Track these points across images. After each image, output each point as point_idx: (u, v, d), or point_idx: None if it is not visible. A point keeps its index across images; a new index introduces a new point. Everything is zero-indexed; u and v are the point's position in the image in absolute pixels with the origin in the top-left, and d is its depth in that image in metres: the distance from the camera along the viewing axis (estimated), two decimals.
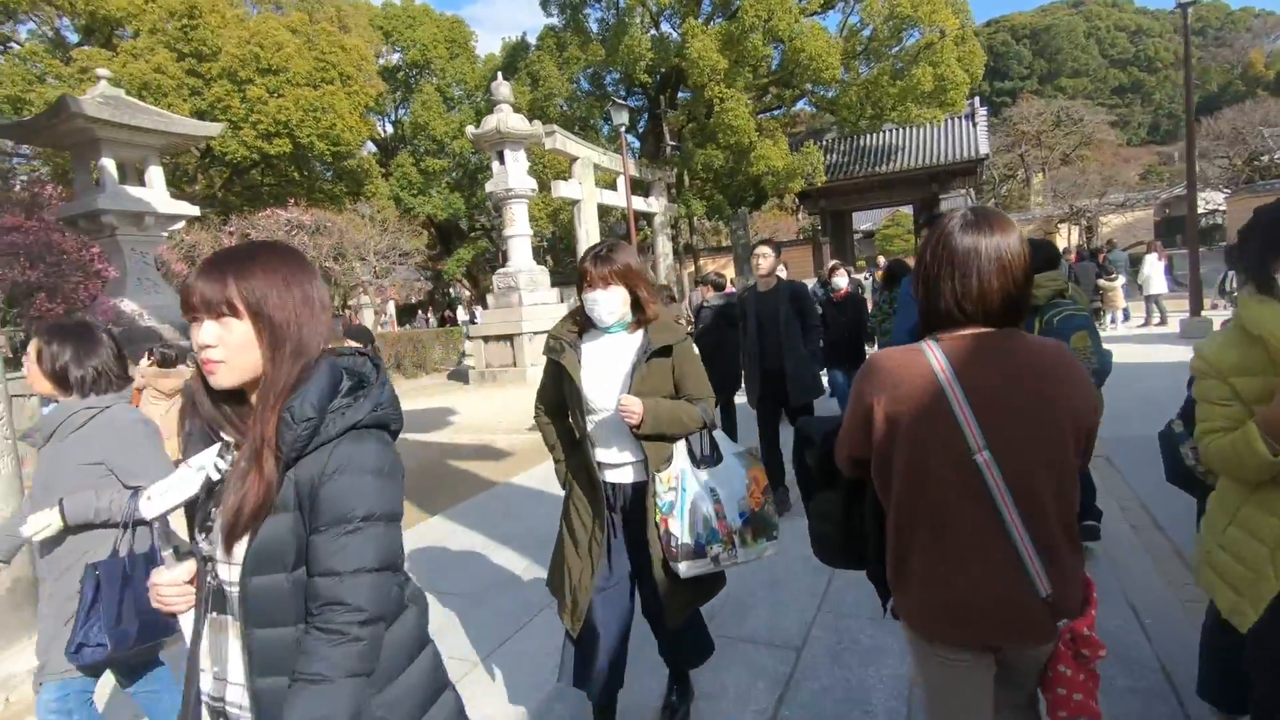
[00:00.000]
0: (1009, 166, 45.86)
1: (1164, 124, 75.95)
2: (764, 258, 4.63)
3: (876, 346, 10.27)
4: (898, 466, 1.34)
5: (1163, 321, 12.37)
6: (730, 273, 32.47)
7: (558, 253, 33.20)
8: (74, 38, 17.11)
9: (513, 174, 13.20)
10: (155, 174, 8.71)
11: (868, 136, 28.72)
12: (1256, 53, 75.14)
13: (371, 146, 37.37)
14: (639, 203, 23.61)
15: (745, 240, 31.50)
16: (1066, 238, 28.41)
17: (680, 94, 26.95)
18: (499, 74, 30.82)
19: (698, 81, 20.83)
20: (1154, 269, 12.19)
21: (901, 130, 28.02)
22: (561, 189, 18.88)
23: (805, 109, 42.76)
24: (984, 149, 26.22)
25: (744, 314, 4.76)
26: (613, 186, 22.57)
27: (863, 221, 47.74)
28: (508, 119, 12.92)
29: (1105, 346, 3.36)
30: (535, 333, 12.85)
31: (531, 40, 30.64)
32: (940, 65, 20.67)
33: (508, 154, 13.19)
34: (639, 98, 29.87)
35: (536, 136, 13.29)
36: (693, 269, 30.54)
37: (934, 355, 1.32)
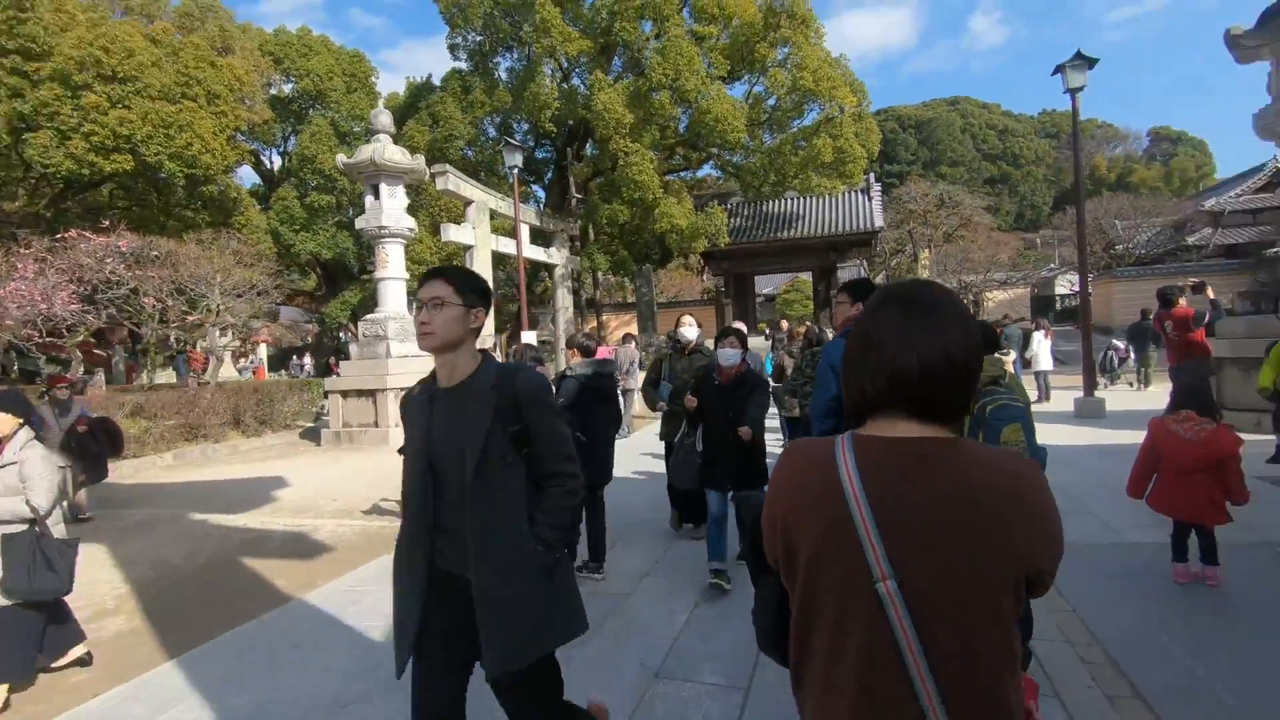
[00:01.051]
0: (898, 241, 48.61)
1: (1028, 213, 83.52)
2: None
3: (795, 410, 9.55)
4: (796, 579, 1.19)
5: (1045, 398, 12.41)
6: (633, 329, 31.91)
7: None
8: None
9: (388, 210, 11.83)
10: None
11: (771, 203, 29.31)
12: (1099, 158, 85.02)
13: (255, 177, 34.78)
14: (539, 253, 22.63)
15: (649, 297, 31.17)
16: None
17: (589, 149, 26.55)
18: (398, 112, 29.71)
19: (603, 134, 20.35)
20: (1041, 346, 12.29)
21: (803, 199, 28.76)
22: (452, 233, 17.60)
23: (712, 174, 43.82)
24: (878, 222, 27.17)
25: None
26: (511, 234, 21.51)
27: (765, 285, 49.00)
28: (385, 150, 11.63)
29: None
30: (403, 389, 11.29)
31: (438, 82, 29.67)
32: (839, 139, 21.22)
33: (384, 188, 11.85)
34: (547, 149, 29.33)
35: (417, 173, 12.05)
36: (595, 324, 29.69)
37: (844, 457, 1.12)
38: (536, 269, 29.86)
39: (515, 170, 13.16)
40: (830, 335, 11.69)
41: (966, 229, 44.57)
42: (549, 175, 29.56)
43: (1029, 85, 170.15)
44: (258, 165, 31.80)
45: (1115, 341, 15.34)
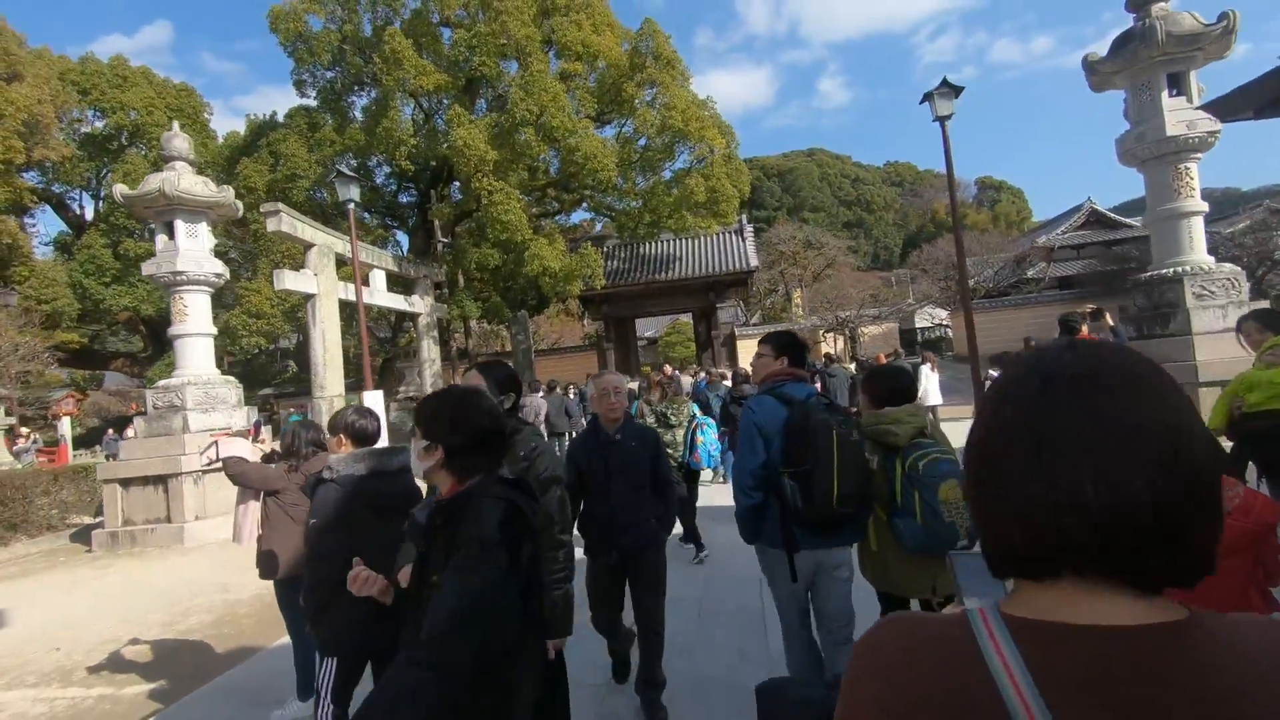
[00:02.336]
0: (771, 282, 50.16)
1: (881, 254, 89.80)
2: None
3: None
4: None
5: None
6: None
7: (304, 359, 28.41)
8: None
9: (185, 253, 9.68)
10: None
11: (648, 245, 28.78)
12: (938, 203, 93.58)
13: (61, 224, 30.06)
14: (398, 301, 20.55)
15: (526, 345, 29.49)
16: (832, 345, 30.30)
17: (454, 193, 24.89)
18: (237, 151, 26.73)
19: (466, 173, 18.86)
20: (930, 381, 11.85)
21: (679, 241, 28.48)
22: (289, 280, 15.26)
23: (587, 219, 43.16)
24: (753, 261, 27.30)
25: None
26: (366, 282, 19.32)
27: (647, 328, 48.68)
28: (180, 179, 9.54)
29: None
30: (206, 471, 9.04)
31: (282, 119, 27.06)
32: (711, 179, 20.96)
33: (180, 226, 9.70)
34: (411, 193, 27.34)
35: (224, 207, 9.99)
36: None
37: (1000, 656, 0.63)
38: (401, 319, 27.50)
39: (351, 205, 11.37)
40: (723, 387, 10.81)
41: (832, 268, 46.61)
42: (413, 220, 27.51)
43: (873, 139, 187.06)
44: (61, 210, 27.46)
45: (991, 371, 15.50)
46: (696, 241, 28.46)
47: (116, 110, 24.29)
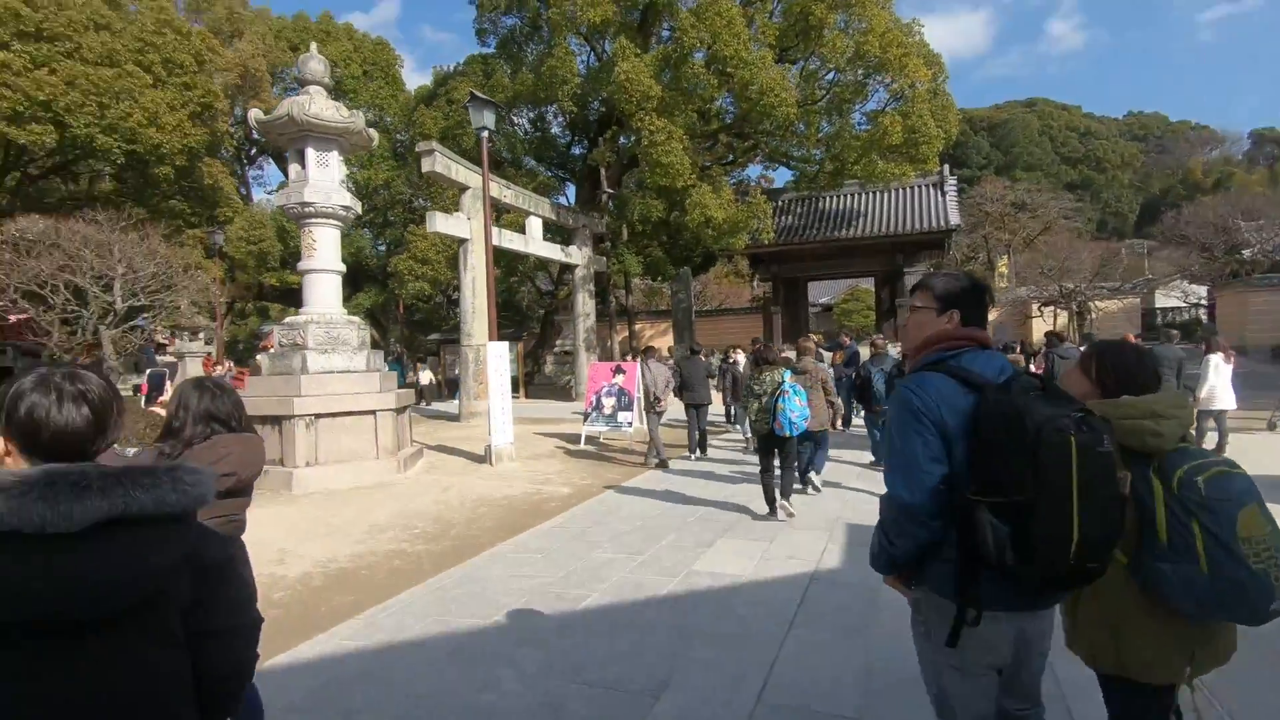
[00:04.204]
0: (971, 247, 44.23)
1: (1111, 220, 77.10)
2: None
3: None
4: None
5: (1220, 451, 8.48)
6: (669, 339, 28.80)
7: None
8: None
9: (314, 183, 9.10)
10: None
11: (827, 199, 25.82)
12: (1194, 162, 77.94)
13: (279, 174, 33.25)
14: (554, 251, 19.81)
15: (687, 304, 27.88)
16: (1051, 321, 25.49)
17: (623, 140, 23.65)
18: (420, 99, 27.52)
19: (627, 110, 17.35)
20: (1219, 375, 8.40)
21: (865, 194, 25.17)
22: (440, 223, 14.92)
23: (765, 174, 40.38)
24: (954, 219, 23.37)
25: None
26: (520, 229, 18.76)
27: (821, 294, 45.14)
28: (311, 103, 8.91)
29: None
30: (320, 416, 8.50)
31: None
32: (911, 116, 17.67)
33: (311, 154, 9.13)
34: (583, 144, 26.59)
35: (354, 133, 9.27)
36: (626, 334, 26.72)
37: None
38: (563, 271, 27.14)
39: (484, 133, 10.25)
40: (875, 351, 9.07)
41: (1049, 234, 39.97)
42: (579, 168, 26.78)
43: (1113, 88, 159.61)
44: (279, 160, 30.14)
45: None
46: (885, 195, 24.96)
47: None
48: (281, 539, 6.12)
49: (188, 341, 16.90)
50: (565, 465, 9.76)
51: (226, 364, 18.72)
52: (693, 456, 9.87)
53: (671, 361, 11.49)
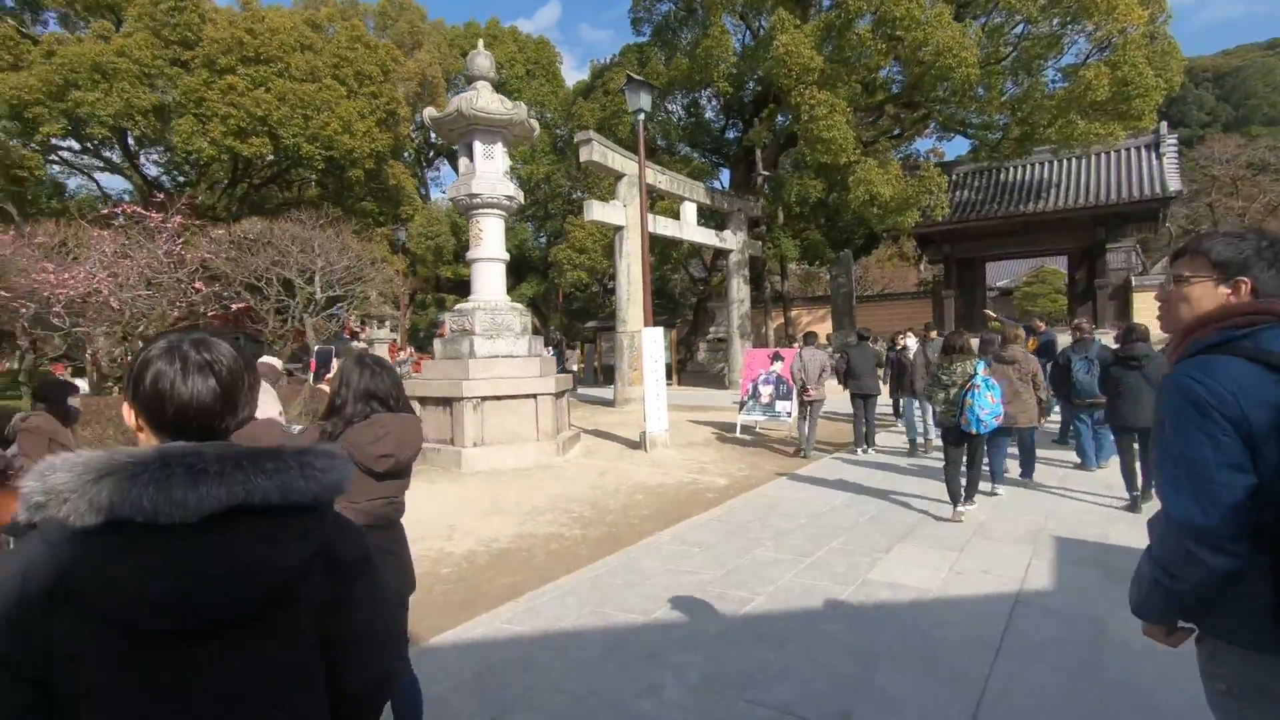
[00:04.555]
0: (1190, 219, 38.04)
1: None
2: None
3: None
4: None
5: None
6: (828, 326, 27.47)
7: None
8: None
9: (482, 175, 9.46)
10: None
11: (1010, 170, 23.21)
12: None
13: (454, 174, 35.89)
14: (708, 236, 19.51)
15: (848, 288, 26.42)
16: None
17: (780, 120, 22.76)
18: (579, 93, 28.29)
19: (786, 85, 16.55)
20: None
21: (1057, 162, 22.32)
22: (597, 211, 15.15)
23: (936, 147, 37.27)
24: (1173, 185, 20.01)
25: None
26: (674, 215, 18.64)
27: (998, 277, 40.95)
28: (477, 98, 9.26)
29: None
30: (486, 398, 8.86)
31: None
32: (1122, 66, 15.24)
33: (478, 147, 9.50)
34: (738, 127, 26.03)
35: (517, 124, 9.51)
36: (782, 321, 25.85)
37: None
38: (717, 256, 26.74)
39: (640, 115, 10.14)
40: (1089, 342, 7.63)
41: None
42: (733, 152, 26.20)
43: None
44: (452, 160, 32.51)
45: None
46: (1084, 162, 21.98)
47: None
48: (452, 515, 6.37)
49: (376, 329, 18.69)
50: (721, 454, 9.45)
51: (409, 350, 20.41)
52: (860, 451, 9.17)
53: (830, 348, 10.78)
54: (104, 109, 13.28)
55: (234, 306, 10.60)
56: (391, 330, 19.68)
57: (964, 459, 5.88)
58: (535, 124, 10.05)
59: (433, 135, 28.90)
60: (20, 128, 12.96)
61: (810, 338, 10.43)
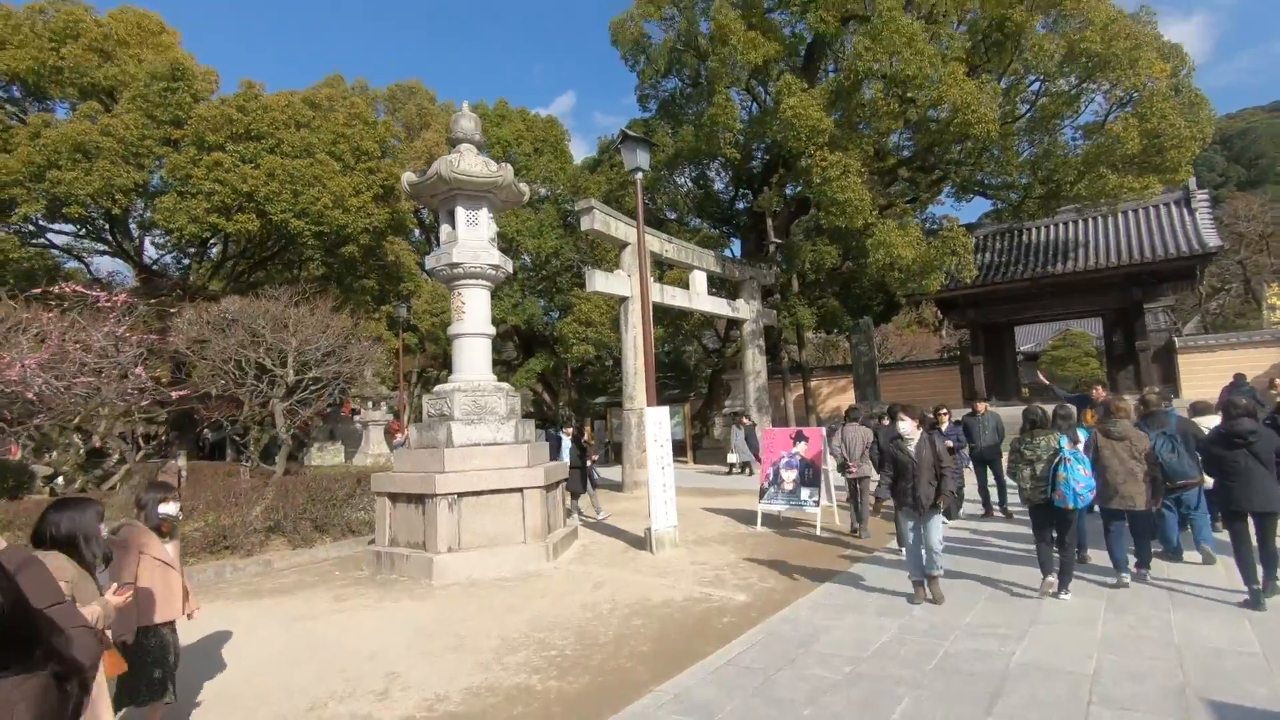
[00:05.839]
0: (1220, 277, 36.87)
1: None
2: None
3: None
4: None
5: None
6: (849, 397, 26.11)
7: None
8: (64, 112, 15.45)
9: (465, 242, 8.57)
10: None
11: (1033, 231, 22.35)
12: None
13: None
14: (720, 305, 18.57)
15: (869, 357, 25.22)
16: None
17: (789, 189, 22.22)
18: (586, 167, 28.19)
19: (795, 148, 15.93)
20: None
21: (1083, 222, 21.44)
22: (600, 282, 14.28)
23: (945, 218, 36.79)
24: (1211, 241, 18.92)
25: None
26: (684, 284, 17.77)
27: (1022, 341, 39.56)
28: (460, 160, 8.47)
29: None
30: (464, 494, 7.64)
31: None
32: (1150, 118, 14.46)
33: (460, 213, 8.65)
34: (747, 199, 25.63)
35: (503, 188, 8.68)
36: (801, 392, 24.57)
37: None
38: (730, 327, 25.77)
39: (638, 174, 9.31)
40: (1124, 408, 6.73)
41: None
42: (743, 223, 25.67)
43: None
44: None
45: None
46: (1110, 220, 21.12)
47: (494, 144, 27.26)
48: (398, 655, 5.07)
49: (371, 410, 17.73)
50: (739, 555, 8.07)
51: (409, 430, 19.29)
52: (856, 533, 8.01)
53: (858, 425, 9.58)
54: (82, 188, 12.84)
55: (174, 394, 9.62)
56: (388, 411, 18.69)
57: (1054, 538, 5.69)
58: (524, 187, 9.23)
59: None
60: None
61: (854, 413, 9.52)
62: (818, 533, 8.98)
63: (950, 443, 8.92)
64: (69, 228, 16.43)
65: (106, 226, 16.36)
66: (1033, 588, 5.80)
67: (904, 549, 6.00)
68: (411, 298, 21.50)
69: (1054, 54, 15.21)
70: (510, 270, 9.26)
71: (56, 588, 1.35)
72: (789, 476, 9.60)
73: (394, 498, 8.19)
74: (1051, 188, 17.11)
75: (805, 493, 9.38)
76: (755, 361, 19.66)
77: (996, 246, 22.77)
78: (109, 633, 2.92)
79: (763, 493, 9.83)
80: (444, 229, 8.92)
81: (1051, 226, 21.85)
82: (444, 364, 30.21)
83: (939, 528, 5.71)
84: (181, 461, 11.29)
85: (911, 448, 5.72)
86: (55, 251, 18.22)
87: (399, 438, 19.40)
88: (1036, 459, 5.61)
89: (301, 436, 20.10)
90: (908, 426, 5.85)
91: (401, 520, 8.09)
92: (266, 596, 7.09)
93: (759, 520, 9.74)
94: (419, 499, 7.79)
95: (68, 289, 8.80)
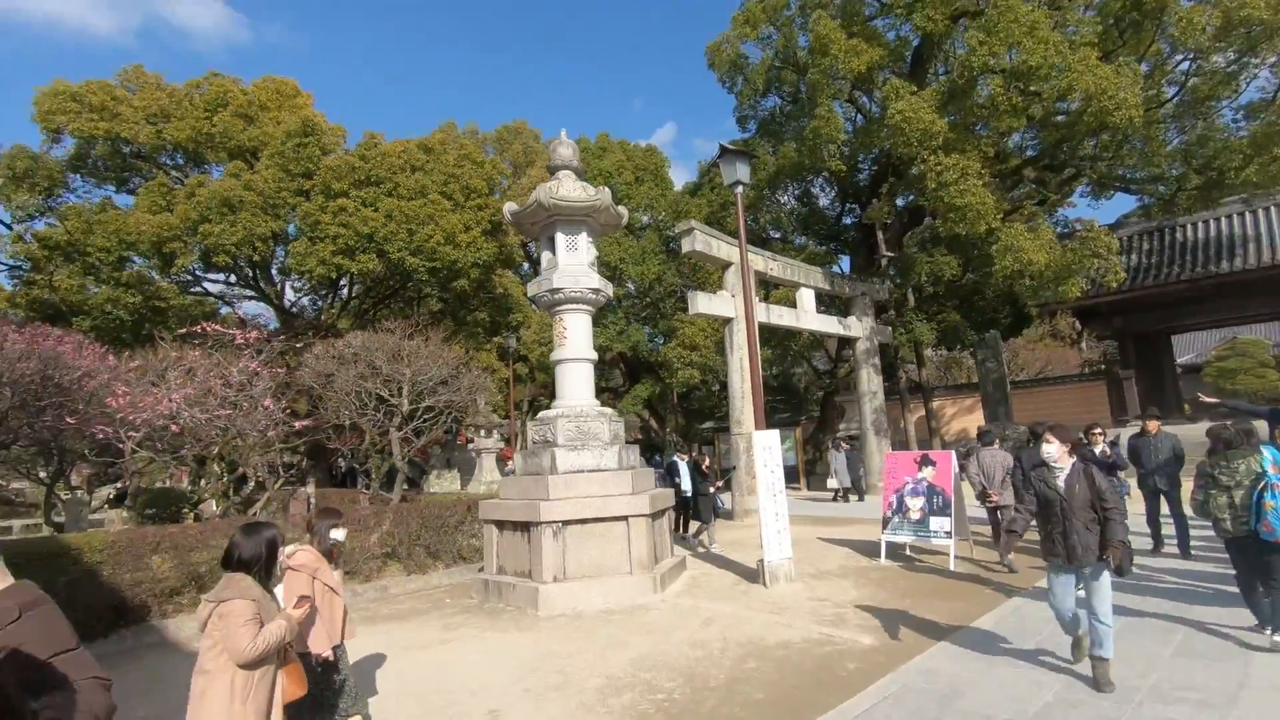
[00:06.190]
0: None
1: None
2: None
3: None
4: None
5: None
6: (978, 417, 24.16)
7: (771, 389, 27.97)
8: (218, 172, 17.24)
9: (565, 268, 8.56)
10: None
11: (1187, 228, 19.92)
12: None
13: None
14: (831, 324, 17.77)
15: (999, 374, 23.30)
16: None
17: (902, 198, 21.14)
18: (687, 192, 28.19)
19: (905, 155, 15.07)
20: None
21: (1249, 214, 18.87)
22: (702, 304, 14.00)
23: (1079, 220, 33.84)
24: None
25: None
26: (791, 303, 17.16)
27: (1179, 352, 35.32)
28: (559, 187, 8.51)
29: None
30: (568, 522, 7.49)
31: None
32: None
33: (560, 239, 8.67)
34: (855, 213, 24.68)
35: (601, 211, 8.62)
36: (923, 414, 23.04)
37: None
38: (842, 346, 24.65)
39: (739, 189, 8.97)
40: None
41: None
42: (852, 238, 24.65)
43: None
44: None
45: None
46: None
47: (596, 176, 27.88)
48: (502, 690, 4.89)
49: (484, 438, 18.27)
50: (862, 591, 7.39)
51: (515, 458, 19.69)
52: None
53: (995, 448, 8.65)
54: (228, 238, 14.22)
55: (298, 425, 10.21)
56: (500, 438, 19.21)
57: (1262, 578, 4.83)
58: (623, 210, 9.14)
59: None
60: (161, 263, 14.18)
61: (988, 436, 8.68)
62: (952, 568, 8.11)
63: (1106, 450, 7.83)
64: (220, 276, 18.22)
65: (250, 273, 17.99)
66: (1232, 634, 4.84)
67: (1054, 612, 4.58)
68: (521, 328, 22.13)
69: (1205, 27, 13.54)
70: (611, 294, 9.15)
71: (68, 634, 1.19)
72: (915, 505, 8.78)
73: (500, 525, 8.17)
74: (1211, 176, 15.18)
75: (935, 523, 8.53)
76: (870, 381, 18.59)
77: (1144, 247, 20.48)
78: (289, 649, 3.00)
79: (886, 522, 9.05)
80: (544, 256, 8.97)
81: (1211, 221, 19.40)
82: (552, 392, 30.92)
83: (1106, 590, 4.29)
84: (310, 488, 11.97)
85: (1060, 480, 4.41)
86: (210, 298, 20.27)
87: (509, 464, 19.84)
88: (1235, 485, 4.85)
89: (421, 464, 21.04)
90: (1054, 450, 4.45)
91: (508, 548, 8.04)
92: (381, 623, 7.20)
93: (883, 553, 8.96)
94: (524, 526, 7.71)
95: (209, 329, 9.66)
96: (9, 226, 16.87)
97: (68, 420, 7.79)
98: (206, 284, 18.76)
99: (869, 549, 9.57)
